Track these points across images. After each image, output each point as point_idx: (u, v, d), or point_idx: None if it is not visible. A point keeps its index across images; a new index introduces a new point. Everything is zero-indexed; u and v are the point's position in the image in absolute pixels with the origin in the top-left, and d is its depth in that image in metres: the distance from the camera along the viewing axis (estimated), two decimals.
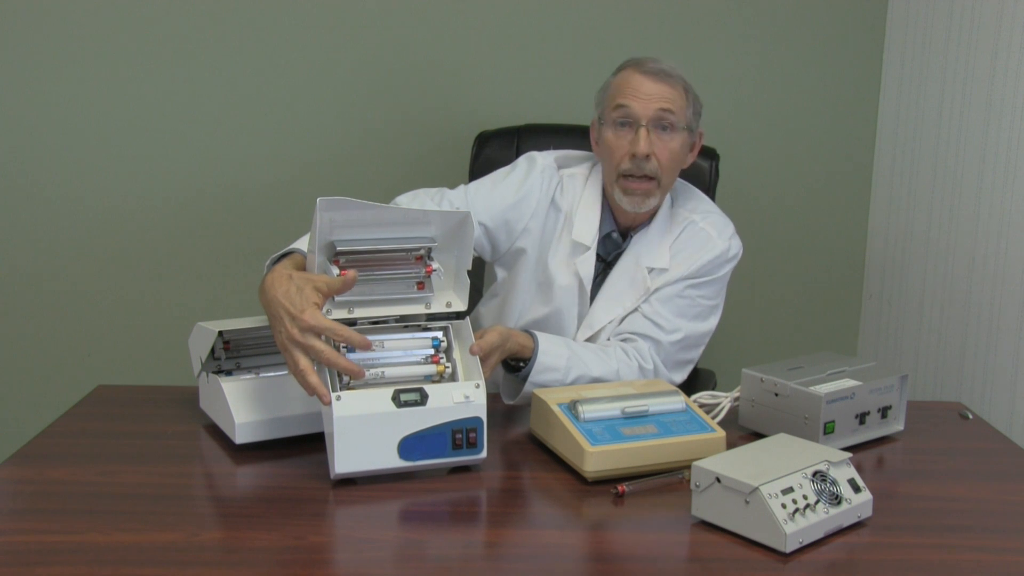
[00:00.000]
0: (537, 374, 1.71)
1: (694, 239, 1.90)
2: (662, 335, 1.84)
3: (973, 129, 2.32)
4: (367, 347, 1.40)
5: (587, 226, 1.87)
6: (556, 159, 1.94)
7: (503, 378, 1.78)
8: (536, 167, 1.90)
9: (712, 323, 1.92)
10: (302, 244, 1.56)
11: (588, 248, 1.87)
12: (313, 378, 1.37)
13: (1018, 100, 2.16)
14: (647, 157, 1.79)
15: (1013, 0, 2.18)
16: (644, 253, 1.88)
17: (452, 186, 1.93)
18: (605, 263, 1.91)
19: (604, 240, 1.90)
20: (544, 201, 1.88)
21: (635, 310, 1.87)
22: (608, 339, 1.87)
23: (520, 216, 1.87)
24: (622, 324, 1.87)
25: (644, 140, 1.78)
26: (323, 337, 1.38)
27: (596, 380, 1.75)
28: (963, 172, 2.36)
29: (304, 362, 1.37)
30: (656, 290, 1.87)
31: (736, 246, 1.92)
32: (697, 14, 2.65)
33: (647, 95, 1.79)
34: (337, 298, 1.45)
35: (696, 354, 1.92)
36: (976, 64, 2.31)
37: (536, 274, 1.90)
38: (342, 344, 1.41)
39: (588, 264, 1.87)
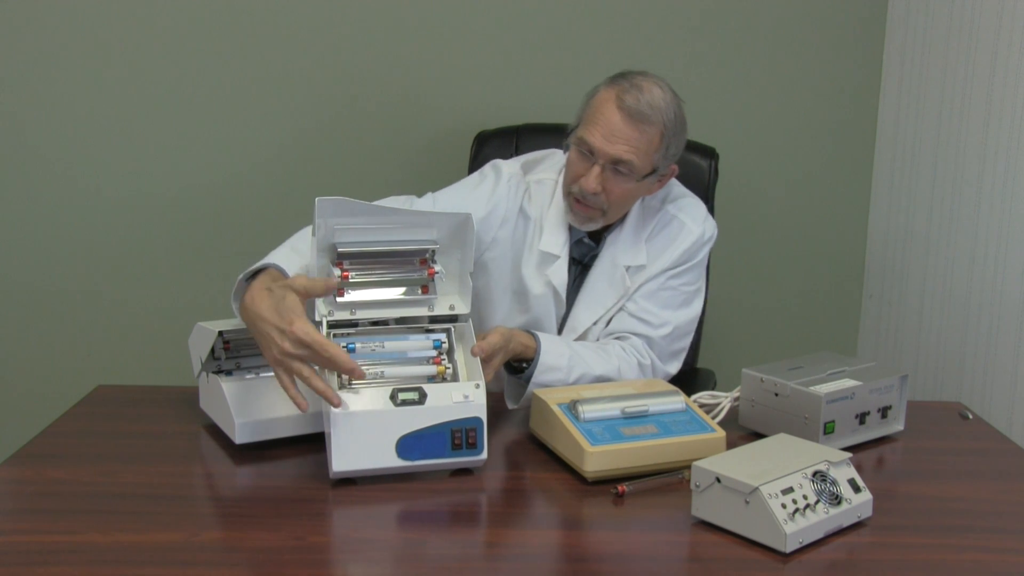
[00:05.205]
0: (540, 374, 1.70)
1: (668, 229, 1.88)
2: (652, 331, 1.84)
3: (973, 129, 2.32)
4: (360, 376, 1.38)
5: (555, 235, 1.85)
6: (522, 165, 1.92)
7: (506, 381, 1.78)
8: (503, 177, 1.87)
9: (697, 307, 1.91)
10: (275, 258, 1.55)
11: (558, 257, 1.85)
12: (319, 383, 1.37)
13: (1018, 100, 2.16)
14: (595, 193, 1.76)
15: (1013, 0, 2.18)
16: (620, 252, 1.86)
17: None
18: (582, 265, 1.90)
19: (577, 244, 1.88)
20: (512, 210, 1.86)
21: (620, 309, 1.86)
22: (597, 339, 1.87)
23: (489, 227, 1.84)
24: (610, 325, 1.87)
25: (595, 179, 1.74)
26: None
27: (599, 378, 1.75)
28: (963, 172, 2.36)
29: (306, 369, 1.37)
30: (639, 287, 1.86)
31: (711, 228, 1.91)
32: (697, 14, 2.64)
33: (612, 136, 1.71)
34: (340, 300, 1.45)
35: (687, 342, 1.91)
36: (976, 64, 2.31)
37: (511, 283, 1.88)
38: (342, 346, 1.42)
39: (560, 273, 1.85)
